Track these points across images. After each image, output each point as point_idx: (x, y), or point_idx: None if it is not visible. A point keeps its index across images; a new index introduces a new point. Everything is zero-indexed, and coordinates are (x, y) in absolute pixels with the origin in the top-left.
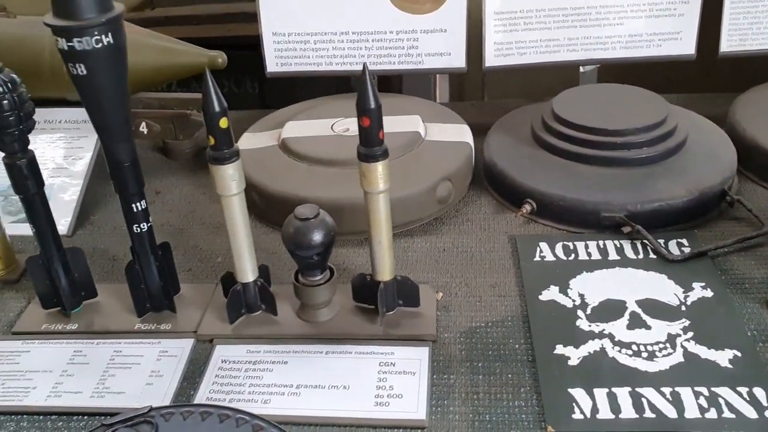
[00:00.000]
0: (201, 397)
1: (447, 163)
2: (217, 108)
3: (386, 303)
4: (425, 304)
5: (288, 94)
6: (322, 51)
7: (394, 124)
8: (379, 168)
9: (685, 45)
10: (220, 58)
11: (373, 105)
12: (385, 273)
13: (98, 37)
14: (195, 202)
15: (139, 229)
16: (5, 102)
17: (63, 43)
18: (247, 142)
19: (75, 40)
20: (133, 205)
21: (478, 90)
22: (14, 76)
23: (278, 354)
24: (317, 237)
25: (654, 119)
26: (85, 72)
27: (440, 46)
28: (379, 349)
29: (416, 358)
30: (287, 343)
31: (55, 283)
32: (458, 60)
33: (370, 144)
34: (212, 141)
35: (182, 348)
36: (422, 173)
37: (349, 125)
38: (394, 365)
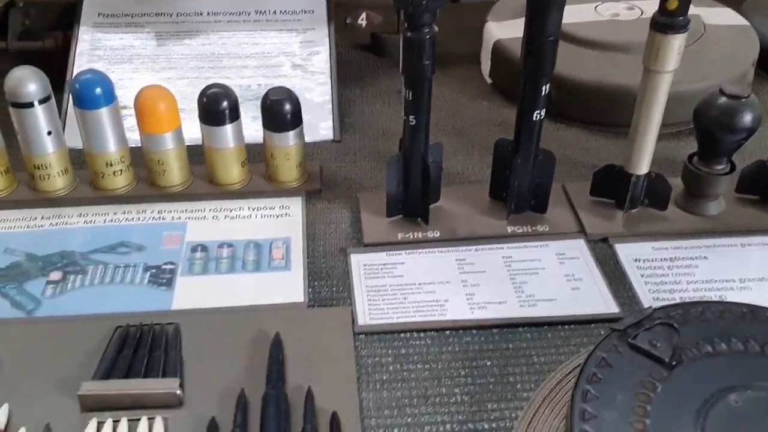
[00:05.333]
0: (645, 298)
1: (750, 47)
2: None
3: None
4: None
5: None
6: None
7: None
8: None
9: None
10: None
11: None
12: None
13: None
14: (451, 99)
15: (538, 116)
16: None
17: None
18: (499, 31)
19: None
20: (543, 88)
21: None
22: None
23: (692, 249)
24: (748, 119)
25: None
26: None
27: None
28: None
29: None
30: (684, 239)
31: (411, 187)
32: None
33: None
34: (674, 5)
35: (578, 249)
36: (730, 59)
37: (616, 9)
38: None
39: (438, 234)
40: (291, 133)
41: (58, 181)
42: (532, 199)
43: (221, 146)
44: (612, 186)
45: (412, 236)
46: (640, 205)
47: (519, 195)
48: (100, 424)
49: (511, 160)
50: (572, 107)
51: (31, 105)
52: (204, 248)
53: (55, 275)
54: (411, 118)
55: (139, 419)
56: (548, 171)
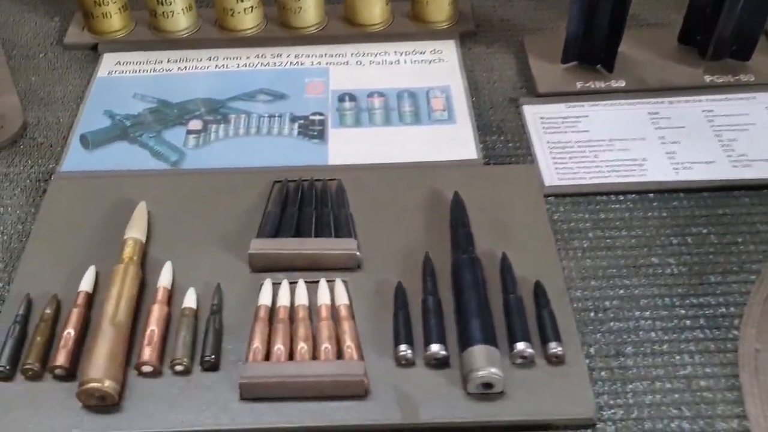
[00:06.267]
0: None
1: None
2: None
3: None
4: None
5: None
6: None
7: None
8: None
9: None
10: None
11: None
12: None
13: None
14: None
15: None
16: None
17: None
18: None
19: None
20: None
21: None
22: None
23: None
24: None
25: None
26: None
27: None
28: None
29: None
30: None
31: (596, 25)
32: None
33: None
34: None
35: None
36: None
37: None
38: None
39: (624, 83)
40: None
41: (181, 19)
42: (734, 43)
43: None
44: None
45: (593, 86)
46: None
47: (721, 37)
48: (275, 286)
49: None
50: None
51: None
52: (352, 97)
53: (195, 124)
54: None
55: (317, 281)
56: (762, 7)
